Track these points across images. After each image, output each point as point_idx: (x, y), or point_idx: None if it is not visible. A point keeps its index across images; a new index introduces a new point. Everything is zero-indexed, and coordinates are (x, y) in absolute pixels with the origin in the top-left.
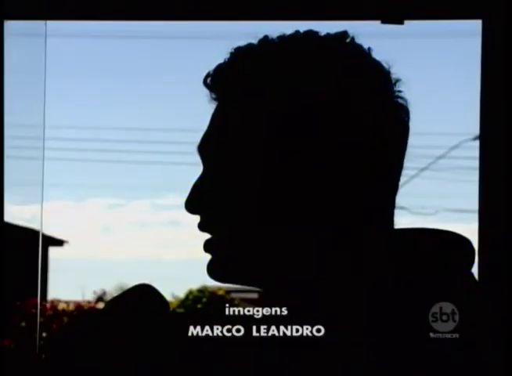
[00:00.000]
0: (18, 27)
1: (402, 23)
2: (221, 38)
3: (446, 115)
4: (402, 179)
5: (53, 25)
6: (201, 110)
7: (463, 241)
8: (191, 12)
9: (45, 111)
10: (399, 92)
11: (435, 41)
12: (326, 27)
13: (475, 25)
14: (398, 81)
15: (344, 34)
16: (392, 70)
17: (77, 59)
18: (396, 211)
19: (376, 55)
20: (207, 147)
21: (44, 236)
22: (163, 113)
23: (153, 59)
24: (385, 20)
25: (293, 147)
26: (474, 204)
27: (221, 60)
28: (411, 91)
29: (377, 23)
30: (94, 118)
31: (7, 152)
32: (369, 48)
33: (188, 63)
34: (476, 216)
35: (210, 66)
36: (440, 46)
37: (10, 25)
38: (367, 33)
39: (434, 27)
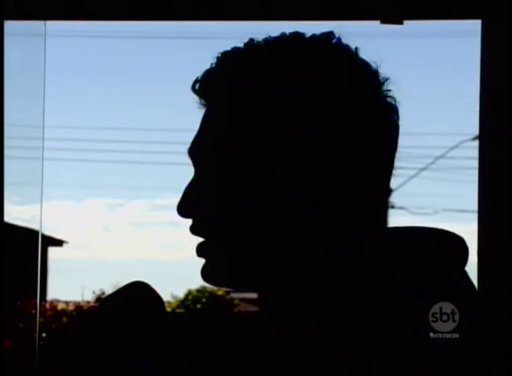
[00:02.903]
0: (18, 27)
1: (401, 23)
2: (221, 38)
3: (446, 115)
4: (402, 179)
5: (53, 25)
6: (202, 110)
7: (456, 240)
8: (191, 13)
9: (45, 111)
10: (388, 91)
11: (435, 41)
12: (325, 27)
13: (475, 25)
14: (386, 80)
15: (330, 34)
16: (380, 70)
17: (77, 59)
18: (396, 211)
19: (376, 55)
20: (197, 151)
21: (43, 236)
22: (163, 113)
23: (153, 59)
24: (385, 20)
25: (283, 149)
26: (473, 204)
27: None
28: (410, 91)
29: (377, 23)
30: (94, 118)
31: (7, 152)
32: (356, 48)
33: (188, 63)
34: (476, 216)
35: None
36: (440, 46)
37: (10, 25)
38: (366, 33)
39: (434, 27)
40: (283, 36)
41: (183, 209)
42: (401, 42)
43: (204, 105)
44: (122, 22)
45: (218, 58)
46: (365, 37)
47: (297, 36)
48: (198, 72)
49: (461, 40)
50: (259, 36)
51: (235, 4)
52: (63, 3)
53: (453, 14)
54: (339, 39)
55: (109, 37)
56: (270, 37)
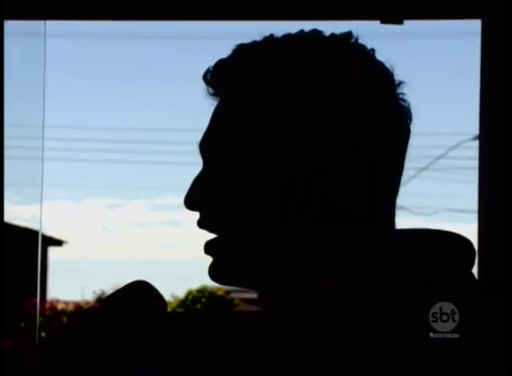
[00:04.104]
0: (18, 27)
1: (401, 23)
2: (221, 38)
3: (446, 115)
4: (402, 180)
5: (53, 25)
6: (202, 109)
7: (464, 242)
8: (191, 12)
9: (45, 111)
10: (402, 94)
11: (435, 41)
12: (325, 27)
13: (475, 25)
14: (401, 83)
15: (349, 34)
16: (395, 72)
17: (77, 59)
18: (395, 212)
19: (376, 55)
20: (207, 145)
21: (43, 236)
22: (163, 113)
23: (153, 59)
24: (385, 20)
25: (293, 146)
26: (473, 204)
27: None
28: (410, 91)
29: (377, 23)
30: (94, 118)
31: (7, 152)
32: (372, 50)
33: (188, 63)
34: (476, 216)
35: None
36: (440, 46)
37: (10, 25)
38: (367, 33)
39: (434, 27)
40: (301, 33)
41: (190, 201)
42: (401, 42)
43: (212, 94)
44: (122, 22)
45: (234, 50)
46: (365, 37)
47: (315, 34)
48: (198, 72)
49: (461, 40)
50: (260, 36)
51: (235, 4)
52: (63, 3)
53: (453, 14)
54: (356, 39)
55: (109, 38)
56: (289, 33)
